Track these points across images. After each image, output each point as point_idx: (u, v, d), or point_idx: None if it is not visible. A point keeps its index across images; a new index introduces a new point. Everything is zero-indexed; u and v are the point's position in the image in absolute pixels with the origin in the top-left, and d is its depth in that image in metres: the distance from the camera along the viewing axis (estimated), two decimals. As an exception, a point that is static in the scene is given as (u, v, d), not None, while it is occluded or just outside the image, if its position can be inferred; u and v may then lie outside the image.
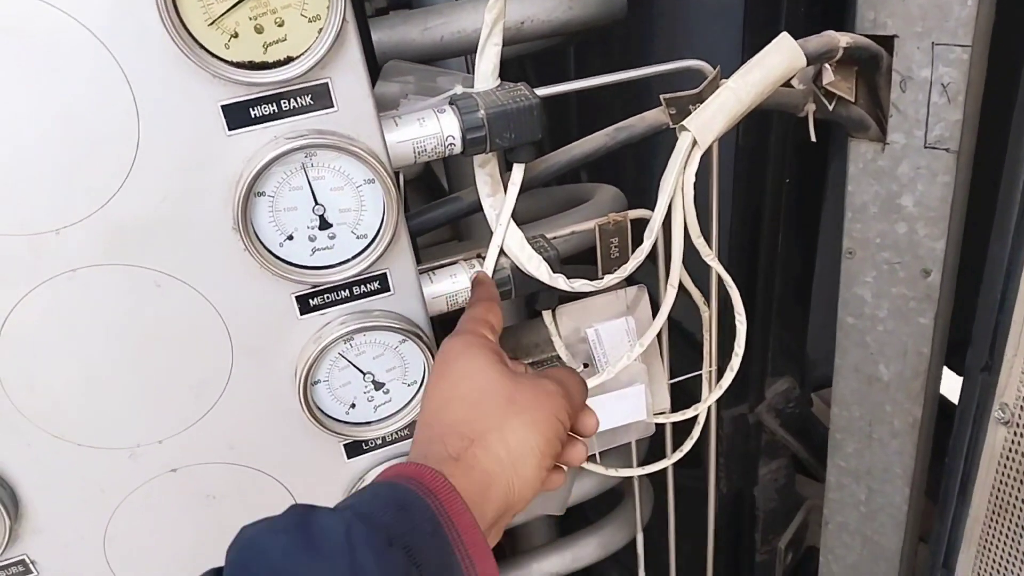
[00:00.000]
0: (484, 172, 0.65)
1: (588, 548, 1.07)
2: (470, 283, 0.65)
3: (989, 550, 0.76)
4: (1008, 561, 0.74)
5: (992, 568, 0.76)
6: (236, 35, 0.46)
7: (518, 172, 0.64)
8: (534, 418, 0.49)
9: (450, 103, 0.60)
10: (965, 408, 0.74)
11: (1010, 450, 0.70)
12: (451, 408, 0.50)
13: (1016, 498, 0.70)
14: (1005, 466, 0.71)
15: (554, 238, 0.72)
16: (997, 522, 0.74)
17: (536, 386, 0.52)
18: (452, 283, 0.65)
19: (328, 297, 0.57)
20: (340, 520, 0.40)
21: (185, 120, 0.48)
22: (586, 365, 0.78)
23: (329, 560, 0.38)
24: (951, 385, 0.84)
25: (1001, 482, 0.72)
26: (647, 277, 0.77)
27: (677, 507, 1.01)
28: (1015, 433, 0.69)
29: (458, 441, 0.47)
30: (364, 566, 0.38)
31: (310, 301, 0.56)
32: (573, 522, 1.08)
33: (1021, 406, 0.68)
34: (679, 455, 0.85)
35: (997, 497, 0.73)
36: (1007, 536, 0.73)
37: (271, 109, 0.49)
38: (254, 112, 0.49)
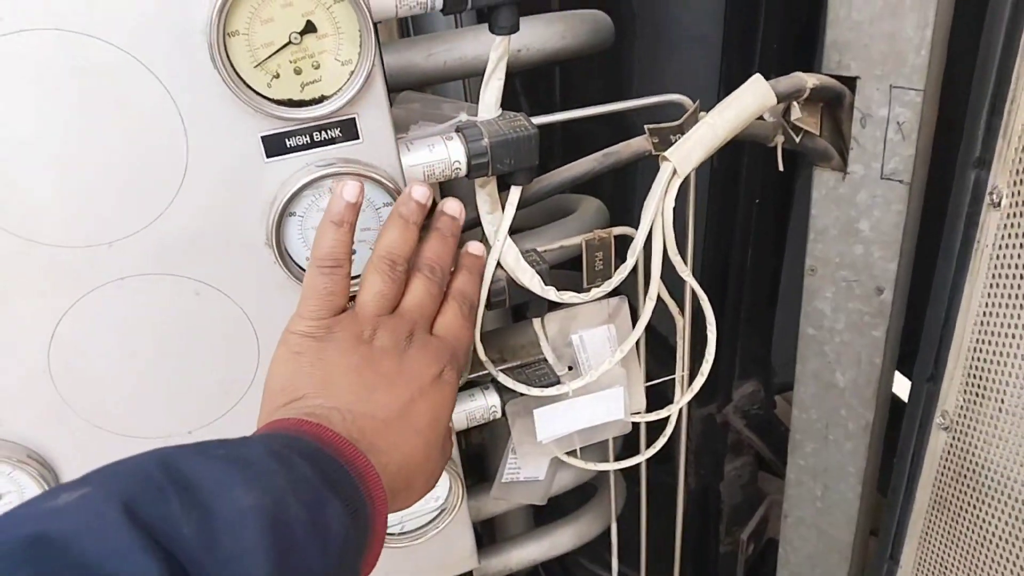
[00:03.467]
0: (484, 192, 0.71)
1: (564, 537, 1.14)
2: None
3: (929, 542, 0.83)
4: (946, 552, 0.81)
5: (932, 558, 0.83)
6: (278, 76, 0.52)
7: (515, 193, 0.71)
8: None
9: (456, 131, 0.66)
10: (912, 414, 0.81)
11: (949, 453, 0.78)
12: None
13: (951, 495, 0.78)
14: (944, 467, 0.79)
15: (544, 251, 0.79)
16: (937, 517, 0.81)
17: None
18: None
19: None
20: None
21: (228, 148, 0.54)
22: (571, 368, 0.84)
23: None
24: (902, 388, 0.91)
25: (940, 481, 0.79)
26: (627, 287, 0.84)
27: (648, 500, 1.08)
28: (953, 437, 0.77)
29: None
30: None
31: (330, 309, 0.62)
32: (550, 514, 1.15)
33: (959, 413, 0.76)
34: (652, 451, 0.92)
35: (936, 494, 0.80)
36: (944, 529, 0.81)
37: (304, 140, 0.55)
38: (289, 143, 0.55)
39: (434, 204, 0.62)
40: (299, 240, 0.58)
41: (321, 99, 0.54)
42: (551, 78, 1.24)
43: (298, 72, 0.53)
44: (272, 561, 0.37)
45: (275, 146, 0.55)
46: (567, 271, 0.82)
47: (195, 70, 0.51)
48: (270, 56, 0.51)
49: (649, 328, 0.90)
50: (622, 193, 1.10)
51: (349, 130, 0.56)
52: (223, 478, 0.39)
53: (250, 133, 0.54)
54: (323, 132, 0.55)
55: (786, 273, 1.07)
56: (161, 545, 0.34)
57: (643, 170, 0.72)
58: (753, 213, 1.01)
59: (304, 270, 0.59)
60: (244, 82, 0.52)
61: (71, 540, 0.33)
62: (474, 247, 0.66)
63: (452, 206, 0.61)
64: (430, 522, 0.77)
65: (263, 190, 0.56)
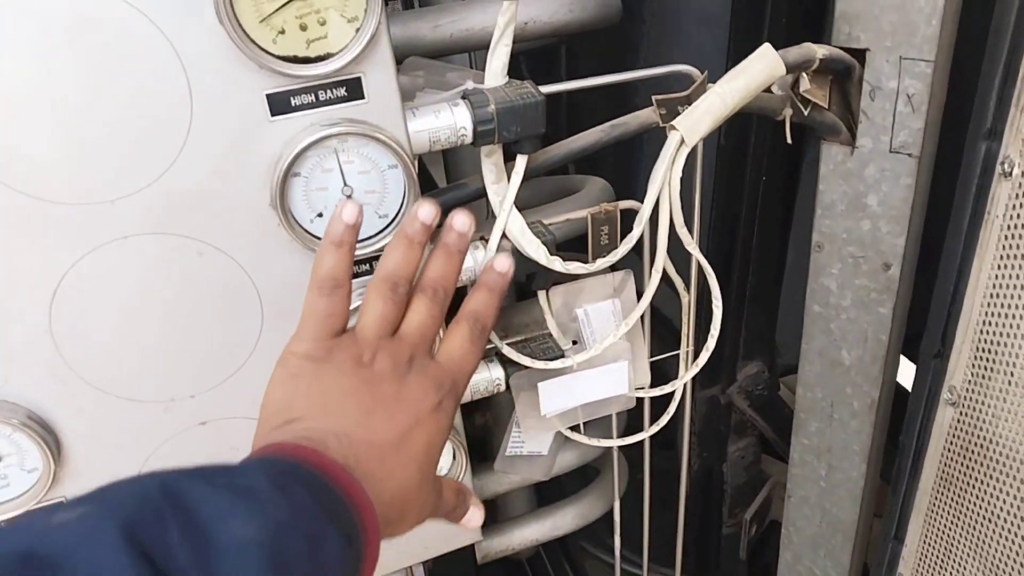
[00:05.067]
0: (490, 161, 0.71)
1: (566, 518, 1.13)
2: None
3: (935, 520, 0.83)
4: (951, 530, 0.81)
5: (937, 536, 0.83)
6: (283, 31, 0.52)
7: (521, 162, 0.70)
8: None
9: (463, 97, 0.65)
10: (918, 391, 0.81)
11: (956, 428, 0.77)
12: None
13: (959, 471, 0.78)
14: (951, 443, 0.78)
15: (550, 224, 0.78)
16: (943, 494, 0.81)
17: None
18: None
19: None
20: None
21: (233, 106, 0.53)
22: (575, 342, 0.84)
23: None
24: (905, 374, 0.91)
25: (947, 457, 0.79)
26: (632, 265, 0.84)
27: (651, 484, 1.08)
28: (960, 412, 0.76)
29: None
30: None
31: (334, 274, 0.62)
32: (552, 497, 1.15)
33: (966, 389, 0.75)
34: (656, 428, 0.91)
35: (943, 471, 0.80)
36: (950, 507, 0.80)
37: (310, 99, 0.55)
38: (294, 101, 0.54)
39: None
40: (303, 202, 0.58)
41: (327, 56, 0.53)
42: (556, 57, 1.24)
43: (303, 28, 0.52)
44: None
45: (280, 104, 0.54)
46: (574, 253, 0.81)
47: (200, 25, 0.50)
48: (276, 11, 0.51)
49: (654, 311, 0.90)
50: (627, 175, 1.10)
51: (355, 89, 0.55)
52: (224, 507, 0.38)
53: (255, 90, 0.53)
54: (328, 91, 0.55)
55: (792, 251, 1.07)
56: (157, 569, 0.34)
57: (648, 151, 0.72)
58: (760, 190, 1.00)
59: (308, 233, 0.59)
60: (249, 37, 0.51)
61: (64, 558, 0.33)
62: (501, 263, 0.62)
63: (461, 221, 0.57)
64: (433, 493, 0.76)
65: (267, 149, 0.55)
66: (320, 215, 0.59)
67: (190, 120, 0.53)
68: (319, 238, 0.59)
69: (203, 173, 0.55)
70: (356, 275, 0.63)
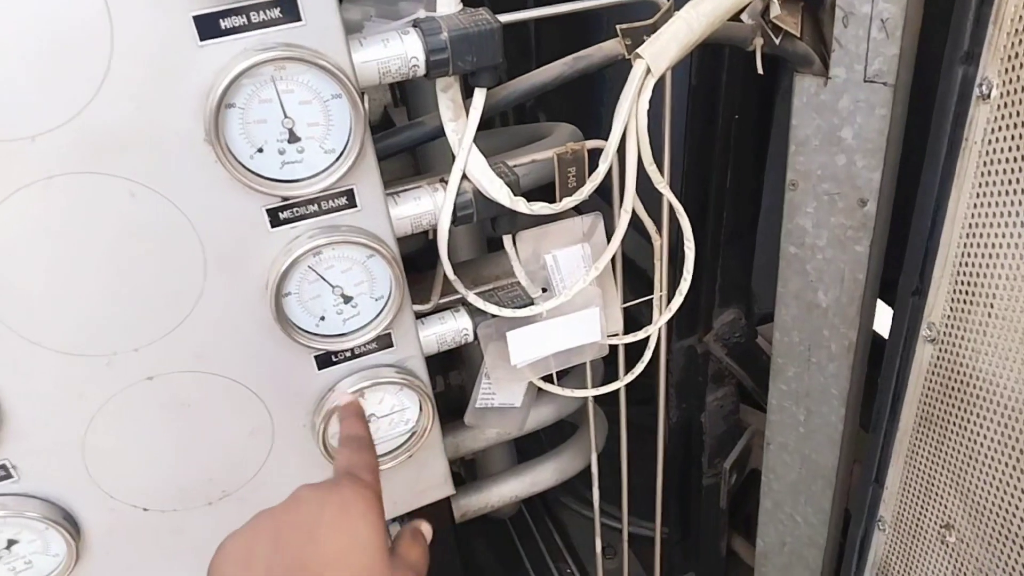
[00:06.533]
0: (447, 97, 0.67)
1: (545, 473, 1.12)
2: (343, 403, 0.67)
3: (915, 461, 0.82)
4: (932, 470, 0.80)
5: (917, 478, 0.82)
6: (207, -55, 0.48)
7: (480, 96, 0.67)
8: None
9: (413, 26, 0.62)
10: (896, 329, 0.79)
11: (935, 365, 0.75)
12: None
13: (940, 410, 0.76)
14: (931, 380, 0.76)
15: (515, 166, 0.75)
16: (923, 434, 0.80)
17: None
18: (416, 206, 0.68)
19: (298, 211, 0.59)
20: None
21: (158, 29, 0.49)
22: (544, 290, 0.81)
23: None
24: (880, 321, 0.89)
25: (927, 396, 0.77)
26: (601, 209, 0.81)
27: (629, 436, 1.06)
28: (939, 350, 0.74)
29: None
30: None
31: (280, 214, 0.58)
32: (532, 457, 1.13)
33: (946, 324, 0.73)
34: (631, 376, 0.89)
35: (922, 411, 0.78)
36: (931, 446, 0.79)
37: (241, 21, 0.51)
38: (224, 23, 0.50)
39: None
40: (241, 136, 0.54)
41: (256, -28, 0.49)
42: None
43: (230, -59, 0.48)
44: None
45: (209, 27, 0.50)
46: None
47: (115, -60, 0.46)
48: (198, -78, 0.47)
49: (626, 262, 0.88)
50: (600, 122, 1.06)
51: (290, 10, 0.51)
52: None
53: (181, 11, 0.49)
54: (261, 12, 0.51)
55: (766, 194, 1.04)
56: None
57: (616, 92, 0.68)
58: (733, 129, 0.97)
59: (248, 170, 0.55)
60: (170, -47, 0.47)
61: None
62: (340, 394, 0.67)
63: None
64: (401, 446, 0.74)
65: (198, 78, 0.51)
66: (260, 151, 0.55)
67: (111, 46, 0.49)
68: (261, 176, 0.56)
69: (129, 105, 0.51)
70: (304, 216, 0.59)
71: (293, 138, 0.55)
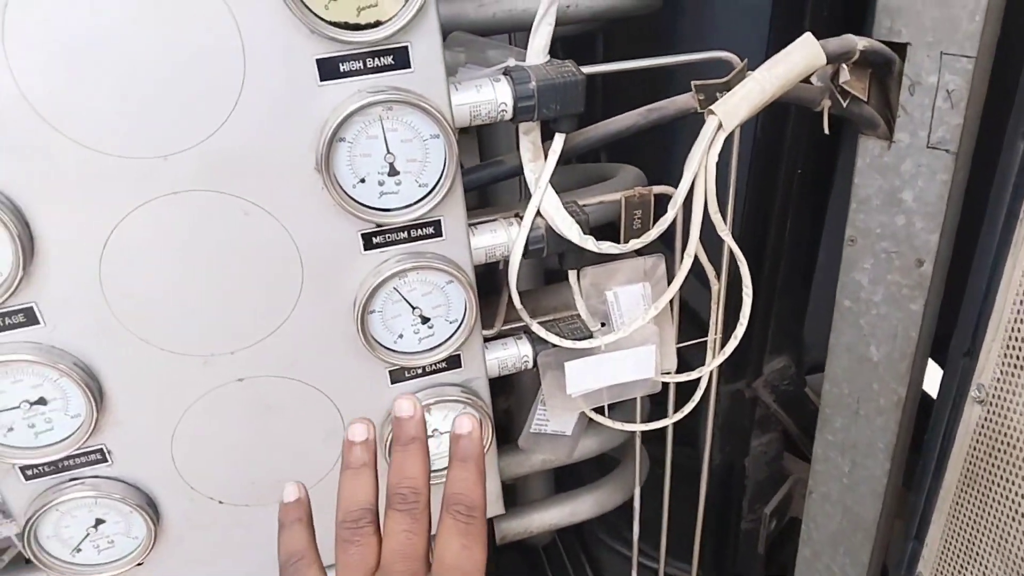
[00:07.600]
0: (528, 139, 0.72)
1: (585, 504, 1.14)
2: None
3: (957, 520, 0.83)
4: (974, 529, 0.80)
5: (959, 536, 0.83)
6: (335, -2, 0.54)
7: (559, 141, 0.71)
8: None
9: (504, 73, 0.67)
10: (946, 389, 0.81)
11: (983, 426, 0.77)
12: None
13: (985, 471, 0.77)
14: (977, 441, 0.78)
15: (585, 205, 0.79)
16: (967, 494, 0.81)
17: None
18: (492, 237, 0.72)
19: (389, 237, 0.64)
20: None
21: (284, 69, 0.55)
22: (603, 324, 0.85)
23: None
24: (929, 380, 0.90)
25: (972, 456, 0.79)
26: (664, 252, 0.85)
27: (671, 477, 1.08)
28: (987, 411, 0.76)
29: None
30: None
31: (373, 239, 0.64)
32: (570, 488, 1.16)
33: (995, 386, 0.75)
34: (681, 415, 0.92)
35: (967, 470, 0.80)
36: (974, 507, 0.80)
37: (358, 66, 0.56)
38: (343, 67, 0.56)
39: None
40: (347, 167, 0.59)
41: (376, 24, 0.55)
42: (593, 46, 1.25)
43: (355, -5, 0.54)
44: None
45: (329, 69, 0.56)
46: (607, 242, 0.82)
47: (256, -11, 0.52)
48: (329, -22, 0.53)
49: (682, 305, 0.91)
50: (659, 166, 1.10)
51: (401, 58, 0.57)
52: None
53: (306, 55, 0.55)
54: (376, 59, 0.56)
55: (824, 246, 1.07)
56: None
57: (682, 141, 0.72)
58: (794, 183, 1.00)
59: (350, 197, 0.61)
60: (303, 2, 0.53)
61: None
62: (462, 425, 0.51)
63: (402, 406, 0.51)
64: (458, 464, 0.78)
65: (315, 113, 0.57)
66: (363, 181, 0.60)
67: (242, 81, 0.55)
68: (361, 204, 0.61)
69: (253, 134, 0.57)
70: (394, 242, 0.64)
71: (393, 171, 0.60)
